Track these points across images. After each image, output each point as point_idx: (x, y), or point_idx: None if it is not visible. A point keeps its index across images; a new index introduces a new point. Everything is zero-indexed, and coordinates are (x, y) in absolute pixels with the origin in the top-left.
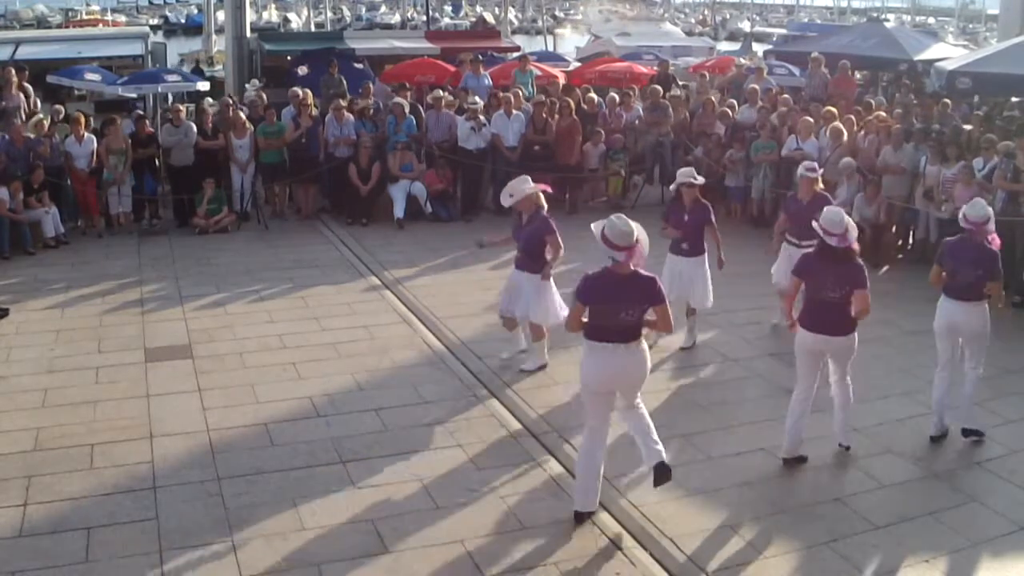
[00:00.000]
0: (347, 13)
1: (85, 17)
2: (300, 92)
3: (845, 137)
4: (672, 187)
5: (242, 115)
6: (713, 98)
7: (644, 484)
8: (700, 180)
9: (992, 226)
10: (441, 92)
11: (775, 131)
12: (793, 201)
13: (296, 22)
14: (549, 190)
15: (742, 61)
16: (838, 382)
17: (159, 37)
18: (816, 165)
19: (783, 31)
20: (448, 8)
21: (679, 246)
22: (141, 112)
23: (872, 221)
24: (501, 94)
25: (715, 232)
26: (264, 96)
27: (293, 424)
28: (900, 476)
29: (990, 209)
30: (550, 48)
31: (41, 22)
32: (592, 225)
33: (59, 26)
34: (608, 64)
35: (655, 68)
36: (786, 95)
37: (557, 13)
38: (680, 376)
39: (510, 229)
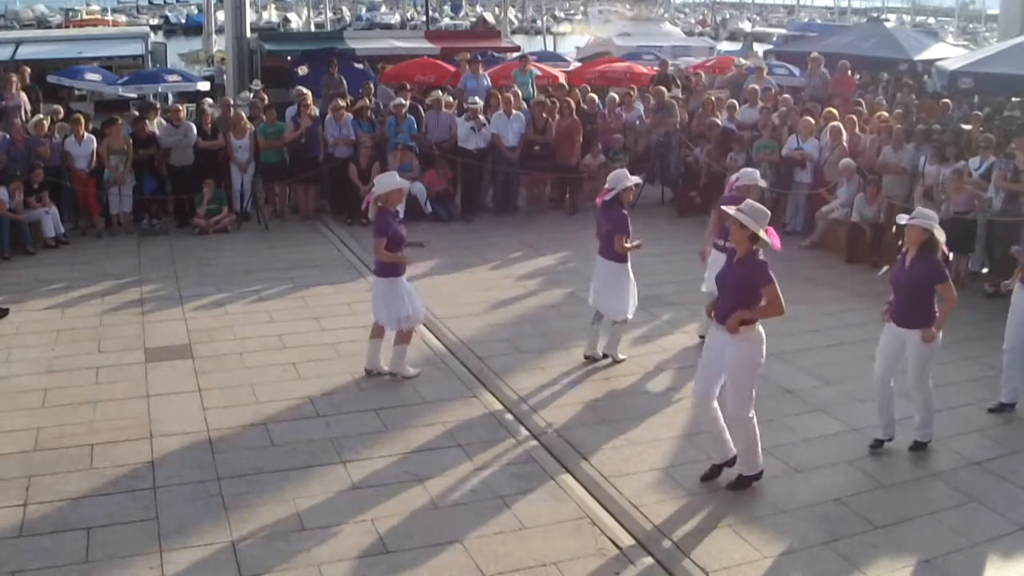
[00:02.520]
0: (347, 13)
1: (85, 17)
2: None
3: (845, 137)
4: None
5: (243, 115)
6: (712, 98)
7: (644, 484)
8: (636, 179)
9: None
10: (440, 93)
11: (775, 131)
12: None
13: (296, 22)
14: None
15: (742, 61)
16: None
17: (159, 37)
18: None
19: (783, 31)
20: (448, 8)
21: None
22: (137, 112)
23: (872, 221)
24: (501, 95)
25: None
26: (265, 96)
27: (293, 424)
28: (900, 476)
29: None
30: (550, 48)
31: (41, 22)
32: (730, 210)
33: (59, 26)
34: (608, 64)
35: (655, 68)
36: (786, 95)
37: (557, 13)
38: (681, 377)
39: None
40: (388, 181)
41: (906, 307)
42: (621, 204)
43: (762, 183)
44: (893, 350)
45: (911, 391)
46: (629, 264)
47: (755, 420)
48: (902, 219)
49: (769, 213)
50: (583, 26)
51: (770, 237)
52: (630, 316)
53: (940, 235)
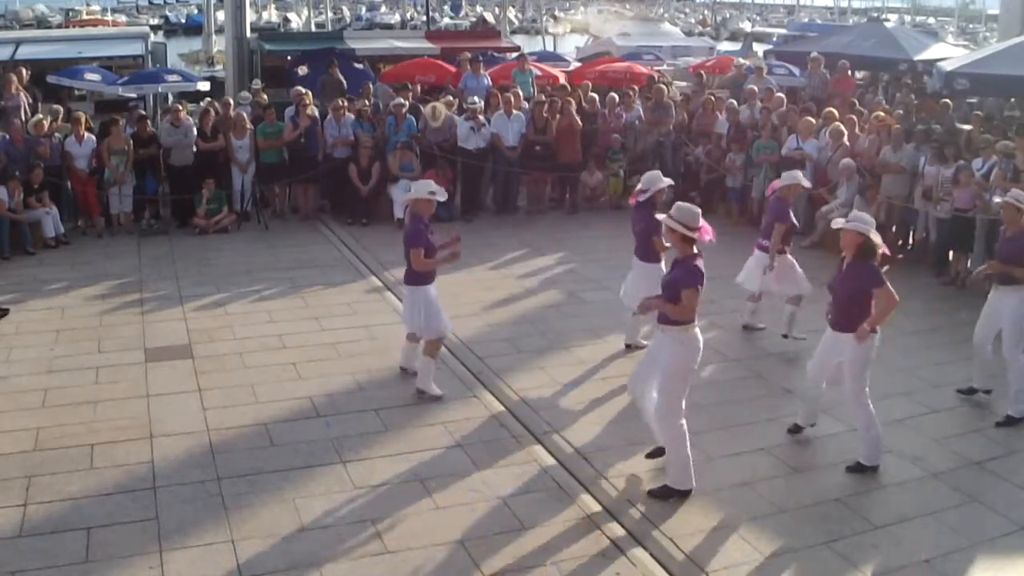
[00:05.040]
0: (347, 13)
1: (85, 17)
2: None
3: (846, 137)
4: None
5: (244, 115)
6: (712, 98)
7: (644, 483)
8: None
9: None
10: (434, 107)
11: (775, 131)
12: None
13: (296, 22)
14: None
15: (742, 61)
16: None
17: (159, 37)
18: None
19: (783, 31)
20: (448, 8)
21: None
22: (143, 112)
23: None
24: (501, 95)
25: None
26: (265, 96)
27: (293, 424)
28: (900, 476)
29: None
30: (550, 48)
31: (41, 22)
32: (660, 217)
33: (59, 26)
34: (608, 64)
35: (654, 69)
36: (779, 95)
37: (557, 13)
38: None
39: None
40: (420, 188)
41: (843, 313)
42: (654, 205)
43: (806, 183)
44: (831, 355)
45: (849, 404)
46: (662, 263)
47: (686, 432)
48: (837, 223)
49: (698, 211)
50: (582, 22)
51: (701, 234)
52: None
53: (876, 238)
